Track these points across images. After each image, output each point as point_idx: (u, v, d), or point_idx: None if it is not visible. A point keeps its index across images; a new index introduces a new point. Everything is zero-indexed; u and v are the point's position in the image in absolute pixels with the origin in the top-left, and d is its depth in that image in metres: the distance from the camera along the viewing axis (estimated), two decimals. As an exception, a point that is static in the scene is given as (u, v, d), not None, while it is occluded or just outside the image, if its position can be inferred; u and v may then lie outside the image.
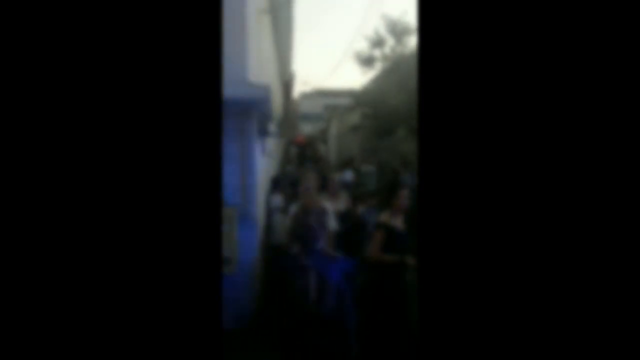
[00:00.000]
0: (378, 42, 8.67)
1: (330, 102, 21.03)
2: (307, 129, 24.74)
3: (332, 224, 1.98)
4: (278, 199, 4.07)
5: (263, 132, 3.97)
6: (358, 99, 9.73)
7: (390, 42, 8.58)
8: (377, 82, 9.70)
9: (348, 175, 5.52)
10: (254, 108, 2.96)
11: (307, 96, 26.34)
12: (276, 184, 4.56)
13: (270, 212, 4.00)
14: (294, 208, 1.65)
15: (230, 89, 1.91)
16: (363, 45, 9.71)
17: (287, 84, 9.88)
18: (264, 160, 4.82)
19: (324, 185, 3.32)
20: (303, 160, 12.72)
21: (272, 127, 4.97)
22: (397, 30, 8.42)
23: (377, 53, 8.81)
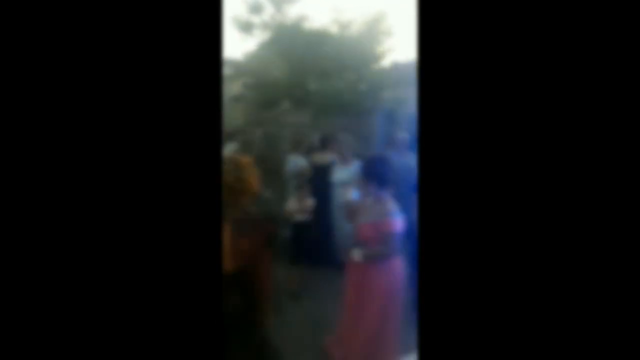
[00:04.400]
0: (256, 8, 8.24)
1: (208, 69, 19.62)
2: (183, 99, 22.77)
3: None
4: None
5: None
6: (239, 68, 9.24)
7: (269, 9, 8.24)
8: (259, 51, 9.31)
9: (230, 147, 4.98)
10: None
11: (180, 62, 24.05)
12: None
13: None
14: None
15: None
16: (241, 10, 9.13)
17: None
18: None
19: None
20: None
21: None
22: (276, -3, 8.12)
23: (256, 20, 8.39)
